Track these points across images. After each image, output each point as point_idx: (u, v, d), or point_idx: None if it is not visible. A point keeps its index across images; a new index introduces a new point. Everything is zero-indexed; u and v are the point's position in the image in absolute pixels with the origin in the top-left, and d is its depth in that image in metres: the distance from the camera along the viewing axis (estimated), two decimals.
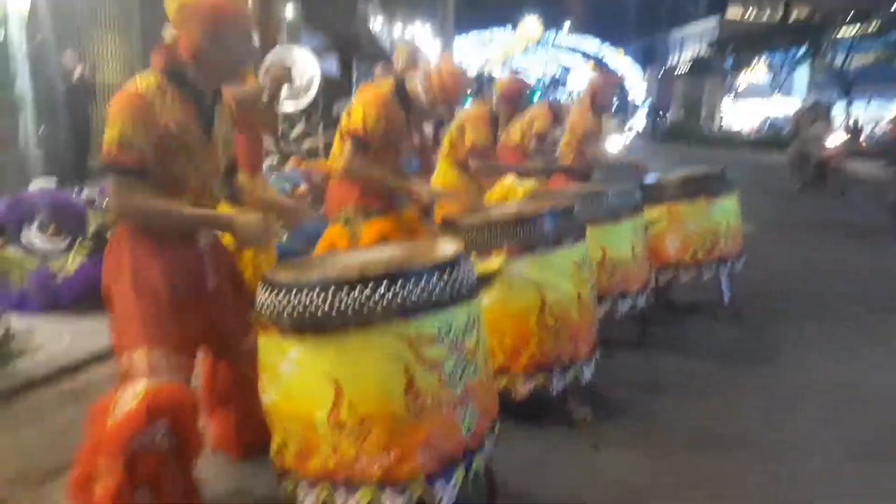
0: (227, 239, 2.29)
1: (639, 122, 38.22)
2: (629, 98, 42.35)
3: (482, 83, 23.43)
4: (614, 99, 5.30)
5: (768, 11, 42.00)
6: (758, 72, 37.01)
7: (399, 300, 1.85)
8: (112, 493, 1.79)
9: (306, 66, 5.86)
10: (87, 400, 2.86)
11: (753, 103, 36.71)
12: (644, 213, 4.18)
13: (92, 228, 3.93)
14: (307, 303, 1.85)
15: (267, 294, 1.94)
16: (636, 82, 41.25)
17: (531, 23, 37.70)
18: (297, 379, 1.89)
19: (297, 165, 6.35)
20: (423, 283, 1.89)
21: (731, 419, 3.15)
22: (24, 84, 7.68)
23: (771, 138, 29.34)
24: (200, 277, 2.11)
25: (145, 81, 1.97)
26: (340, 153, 3.09)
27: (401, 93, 3.08)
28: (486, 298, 2.73)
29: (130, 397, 1.87)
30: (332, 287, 1.84)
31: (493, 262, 2.81)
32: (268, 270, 2.10)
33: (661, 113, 38.01)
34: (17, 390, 2.87)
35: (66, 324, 3.62)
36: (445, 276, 1.94)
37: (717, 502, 2.48)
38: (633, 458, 2.79)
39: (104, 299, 2.08)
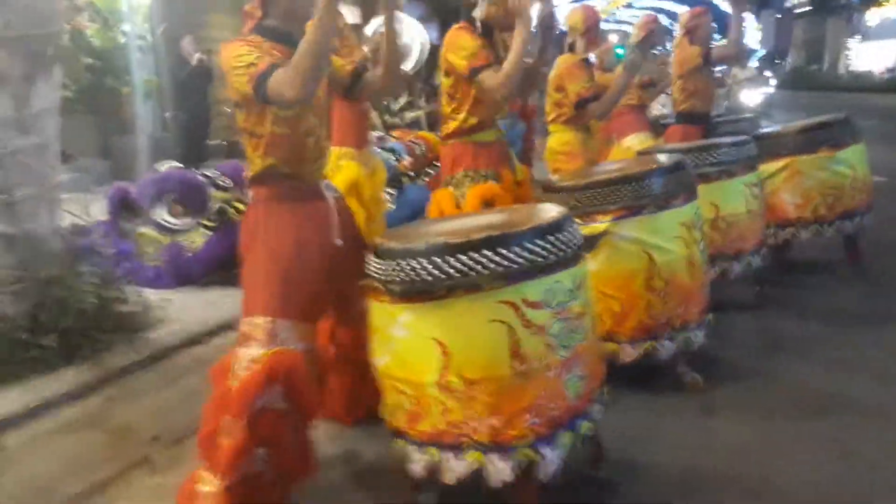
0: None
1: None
2: (744, 42, 39.80)
3: None
4: (712, 29, 4.88)
5: None
6: (891, 7, 33.68)
7: (503, 265, 1.87)
8: (235, 451, 1.94)
9: (409, 30, 5.88)
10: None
11: (886, 43, 33.53)
12: (760, 167, 3.98)
13: (215, 207, 4.20)
14: (416, 269, 1.91)
15: (377, 261, 2.03)
16: (750, 27, 38.71)
17: None
18: (408, 343, 1.96)
19: (402, 138, 6.44)
20: (526, 247, 1.90)
21: (850, 381, 2.99)
22: (149, 73, 8.24)
23: None
24: (329, 234, 2.19)
25: (235, 39, 2.06)
26: (450, 116, 3.06)
27: (473, 23, 2.99)
28: (593, 262, 2.74)
29: (248, 361, 2.01)
30: (439, 253, 1.89)
31: (599, 226, 2.81)
32: (376, 238, 2.18)
33: (778, 59, 35.56)
34: (154, 358, 3.14)
35: (196, 296, 3.91)
36: (549, 240, 1.95)
37: (833, 466, 2.37)
38: (746, 422, 2.70)
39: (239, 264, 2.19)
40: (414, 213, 5.83)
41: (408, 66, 5.27)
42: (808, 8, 37.96)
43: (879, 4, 33.61)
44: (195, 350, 3.27)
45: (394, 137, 6.59)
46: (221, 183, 4.31)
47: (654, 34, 4.74)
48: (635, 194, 2.80)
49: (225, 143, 9.41)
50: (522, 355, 1.89)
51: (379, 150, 5.75)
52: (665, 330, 2.87)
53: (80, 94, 7.63)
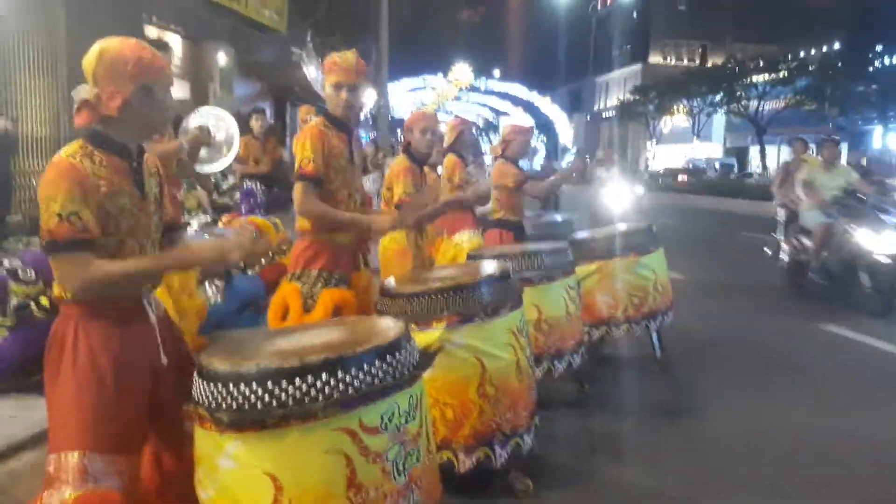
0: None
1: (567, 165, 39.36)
2: (560, 141, 43.68)
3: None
4: (529, 147, 5.33)
5: (686, 60, 44.37)
6: (679, 117, 38.79)
7: (340, 389, 1.83)
8: None
9: (226, 126, 5.83)
10: (10, 494, 2.71)
11: (676, 148, 38.34)
12: (576, 270, 4.29)
13: (14, 302, 3.75)
14: (246, 395, 1.81)
15: (203, 385, 1.90)
16: (564, 127, 42.61)
17: (463, 70, 38.59)
18: (236, 476, 1.83)
19: (231, 222, 6.23)
20: (364, 369, 1.88)
21: (666, 476, 3.24)
22: None
23: (694, 183, 30.64)
24: (153, 354, 2.03)
25: (69, 150, 1.91)
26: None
27: (330, 117, 3.07)
28: (428, 369, 2.77)
29: None
30: (272, 378, 1.81)
31: (434, 333, 2.86)
32: (202, 355, 2.03)
33: (588, 157, 39.24)
34: None
35: None
36: (388, 361, 1.94)
37: None
38: None
39: (46, 394, 1.95)
40: (243, 304, 5.59)
41: (227, 161, 5.20)
42: (612, 113, 42.57)
43: (671, 113, 38.54)
44: None
45: (223, 223, 6.36)
46: (23, 276, 3.87)
47: (462, 135, 5.08)
48: (467, 302, 2.90)
49: (27, 217, 8.56)
50: (358, 485, 1.84)
51: (206, 237, 5.52)
52: (496, 436, 2.94)
53: None
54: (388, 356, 1.95)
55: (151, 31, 10.69)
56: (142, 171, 2.04)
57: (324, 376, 1.83)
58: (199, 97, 12.44)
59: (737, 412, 4.04)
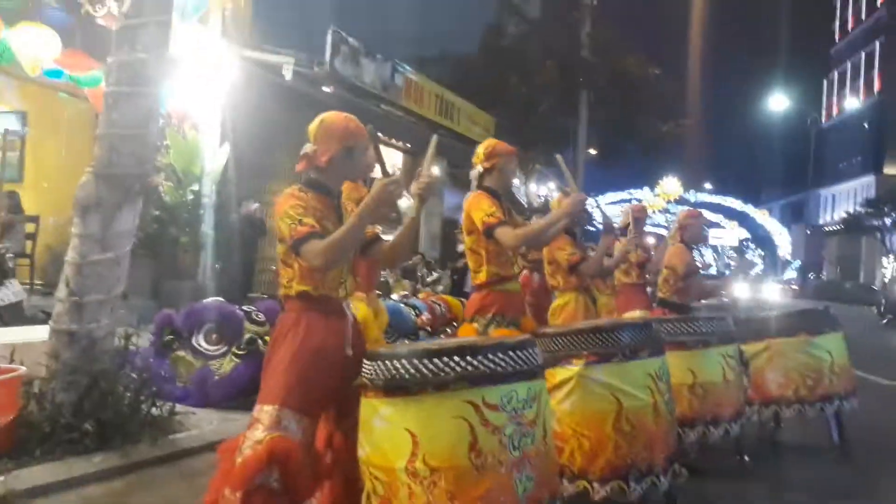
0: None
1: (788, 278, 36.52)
2: (779, 255, 41.00)
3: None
4: (704, 232, 5.40)
5: None
6: None
7: (468, 370, 2.27)
8: None
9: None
10: None
11: None
12: (744, 346, 4.31)
13: (246, 337, 4.70)
14: (396, 368, 2.32)
15: (367, 363, 2.44)
16: (783, 240, 39.97)
17: (671, 183, 38.12)
18: (385, 433, 2.32)
19: (426, 298, 7.06)
20: (489, 357, 2.31)
21: None
22: (208, 227, 9.18)
23: None
24: (343, 345, 2.58)
25: (290, 189, 2.58)
26: (476, 269, 3.46)
27: (488, 189, 3.53)
28: (568, 403, 3.13)
29: (253, 442, 2.38)
30: (417, 356, 2.30)
31: (573, 369, 3.20)
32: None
33: (812, 272, 36.22)
34: (173, 456, 3.52)
35: (216, 414, 4.34)
36: (510, 354, 2.35)
37: None
38: None
39: (264, 362, 2.54)
40: None
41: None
42: (839, 227, 39.20)
43: None
44: (210, 455, 3.59)
45: (420, 296, 7.22)
46: (256, 317, 4.84)
47: (640, 222, 5.31)
48: (605, 343, 3.19)
49: (265, 296, 10.12)
50: (479, 449, 2.22)
51: (402, 304, 6.33)
52: (631, 471, 3.12)
53: (144, 240, 8.50)
54: (510, 351, 2.37)
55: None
56: (340, 207, 2.73)
57: (455, 358, 2.29)
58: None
59: None
